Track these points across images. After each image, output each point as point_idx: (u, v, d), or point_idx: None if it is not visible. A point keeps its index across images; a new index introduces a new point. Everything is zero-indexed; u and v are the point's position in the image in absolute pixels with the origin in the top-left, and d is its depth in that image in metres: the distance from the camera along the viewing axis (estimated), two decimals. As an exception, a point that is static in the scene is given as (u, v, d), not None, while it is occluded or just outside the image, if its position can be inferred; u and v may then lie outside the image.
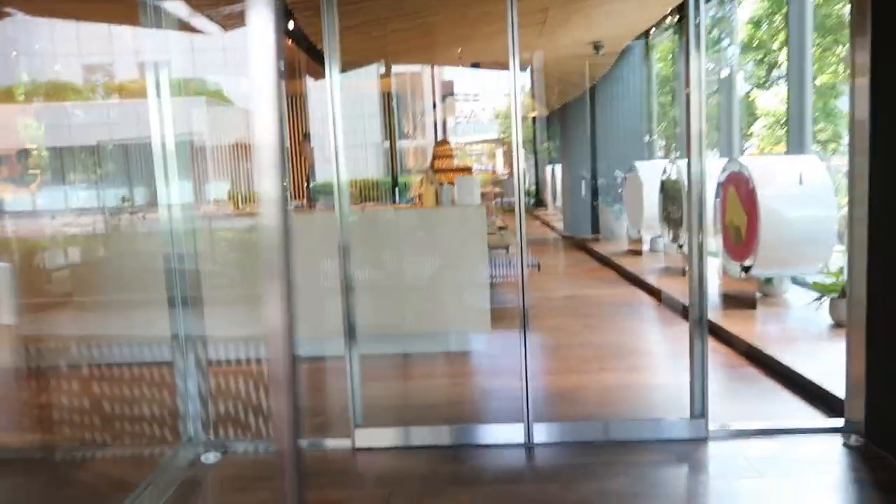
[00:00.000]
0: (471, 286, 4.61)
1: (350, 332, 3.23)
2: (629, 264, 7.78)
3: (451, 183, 5.20)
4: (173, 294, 3.23)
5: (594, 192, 10.26)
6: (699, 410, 3.15)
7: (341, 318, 3.21)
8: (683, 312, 5.44)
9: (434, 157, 8.12)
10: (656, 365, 4.56)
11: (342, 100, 3.14)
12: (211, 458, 3.21)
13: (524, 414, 3.22)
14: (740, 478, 2.79)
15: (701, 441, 3.11)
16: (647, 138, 10.87)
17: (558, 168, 14.94)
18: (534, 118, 18.41)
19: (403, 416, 3.61)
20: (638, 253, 8.57)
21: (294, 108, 9.28)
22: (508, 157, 19.84)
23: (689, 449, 3.06)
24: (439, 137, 17.19)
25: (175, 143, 3.12)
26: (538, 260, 6.27)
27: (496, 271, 5.46)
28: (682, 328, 5.14)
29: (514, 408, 3.22)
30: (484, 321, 4.56)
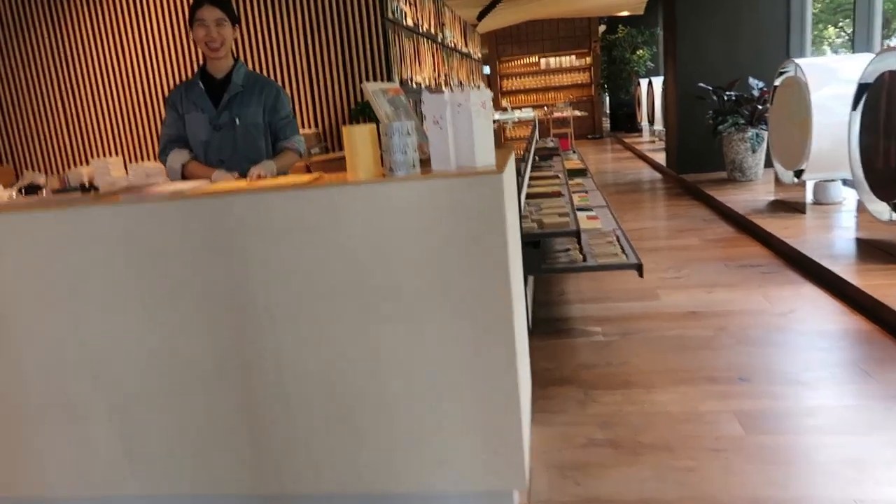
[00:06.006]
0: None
1: None
2: (787, 232, 4.68)
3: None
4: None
5: (716, 112, 6.99)
6: None
7: None
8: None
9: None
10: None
11: None
12: None
13: None
14: None
15: None
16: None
17: (657, 81, 11.51)
18: (617, 19, 14.72)
19: None
20: (798, 209, 5.39)
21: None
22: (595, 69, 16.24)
23: None
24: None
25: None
26: (636, 254, 3.21)
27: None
28: None
29: None
30: (511, 462, 1.76)
